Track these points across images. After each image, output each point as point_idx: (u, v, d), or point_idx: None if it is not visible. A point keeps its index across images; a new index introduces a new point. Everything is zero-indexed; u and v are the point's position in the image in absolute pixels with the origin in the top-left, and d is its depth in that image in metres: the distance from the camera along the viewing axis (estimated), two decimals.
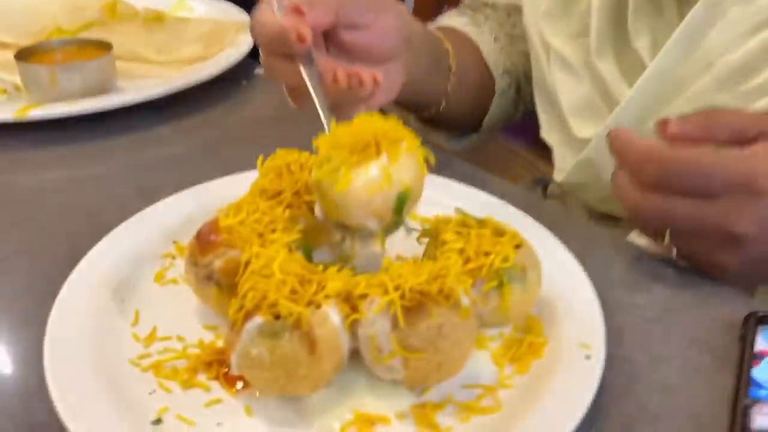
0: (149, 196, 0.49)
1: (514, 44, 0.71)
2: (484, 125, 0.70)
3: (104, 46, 0.65)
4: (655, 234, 0.45)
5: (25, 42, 0.73)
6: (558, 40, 0.62)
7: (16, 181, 0.57)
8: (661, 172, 0.42)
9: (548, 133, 0.65)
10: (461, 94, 0.65)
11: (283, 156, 0.43)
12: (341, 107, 0.49)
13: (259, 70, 0.74)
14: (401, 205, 0.39)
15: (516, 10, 0.71)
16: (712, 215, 0.41)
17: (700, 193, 0.41)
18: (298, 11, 0.47)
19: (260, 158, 0.44)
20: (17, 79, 0.65)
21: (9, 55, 0.71)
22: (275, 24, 0.47)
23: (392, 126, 0.39)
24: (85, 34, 0.74)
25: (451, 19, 0.72)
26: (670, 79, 0.53)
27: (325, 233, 0.41)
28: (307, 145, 0.42)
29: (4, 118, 0.58)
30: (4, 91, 0.64)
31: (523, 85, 0.72)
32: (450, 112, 0.64)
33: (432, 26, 0.69)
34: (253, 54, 0.73)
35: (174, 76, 0.68)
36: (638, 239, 0.49)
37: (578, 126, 0.60)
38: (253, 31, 0.51)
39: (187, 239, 0.41)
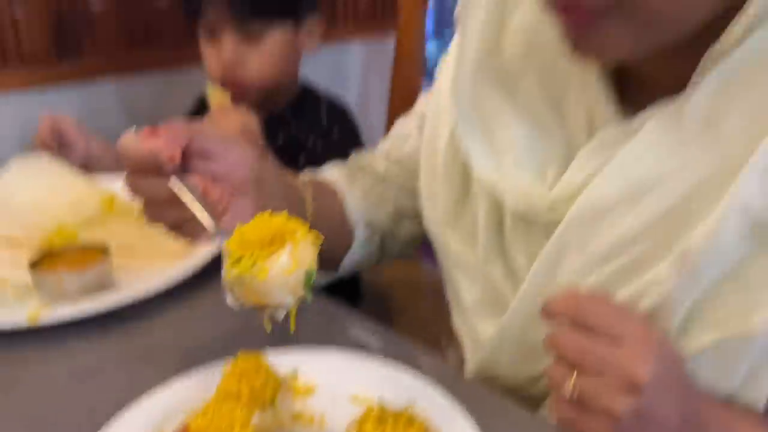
0: (140, 387, 0.58)
1: (382, 206, 0.81)
2: (340, 269, 0.79)
3: (104, 250, 0.77)
4: (564, 374, 0.48)
5: (35, 237, 0.86)
6: (454, 244, 0.67)
7: (18, 376, 0.65)
8: (577, 310, 0.49)
9: (456, 325, 0.70)
10: None
11: (243, 360, 0.53)
12: (186, 233, 0.58)
13: None
14: (309, 280, 0.50)
15: (388, 178, 0.81)
16: (617, 356, 0.46)
17: (611, 335, 0.47)
18: (155, 133, 0.55)
19: (224, 364, 0.54)
20: (28, 278, 0.76)
21: (21, 253, 0.84)
22: (142, 147, 0.54)
23: (285, 220, 0.50)
24: (86, 231, 0.87)
25: (331, 170, 0.82)
26: (542, 295, 0.57)
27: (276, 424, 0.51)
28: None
29: (20, 321, 0.69)
30: (18, 293, 0.75)
31: (388, 241, 0.82)
32: None
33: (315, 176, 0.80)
34: None
35: (165, 269, 0.80)
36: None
37: (479, 323, 0.65)
38: (120, 156, 0.56)
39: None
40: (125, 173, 0.56)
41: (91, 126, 1.22)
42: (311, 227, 0.68)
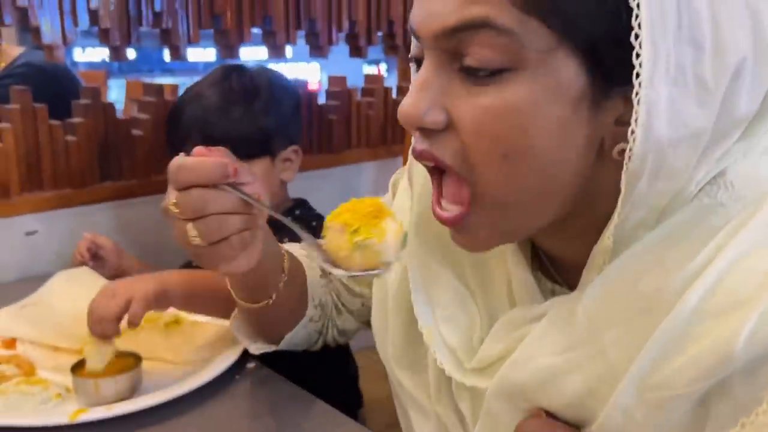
0: None
1: (329, 294, 0.88)
2: (283, 341, 0.85)
3: (135, 357, 0.88)
4: None
5: (74, 346, 0.97)
6: (406, 380, 0.69)
7: None
8: None
9: None
10: (286, 298, 0.78)
11: None
12: (204, 261, 0.63)
13: (250, 365, 0.97)
14: (405, 239, 0.60)
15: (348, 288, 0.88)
16: None
17: None
18: (209, 152, 0.60)
19: None
20: (69, 383, 0.87)
21: (62, 359, 0.95)
22: (205, 160, 0.59)
23: (372, 199, 0.61)
24: (120, 339, 0.98)
25: (295, 246, 0.88)
26: None
27: None
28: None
29: (61, 420, 0.80)
30: (59, 395, 0.86)
31: (330, 329, 0.89)
32: (274, 313, 0.79)
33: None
34: (245, 351, 0.96)
35: (187, 374, 0.91)
36: None
37: None
38: (177, 174, 0.59)
39: None
40: (175, 193, 0.60)
41: (123, 239, 1.37)
42: (286, 284, 0.77)
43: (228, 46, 1.52)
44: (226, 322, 1.03)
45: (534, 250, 0.63)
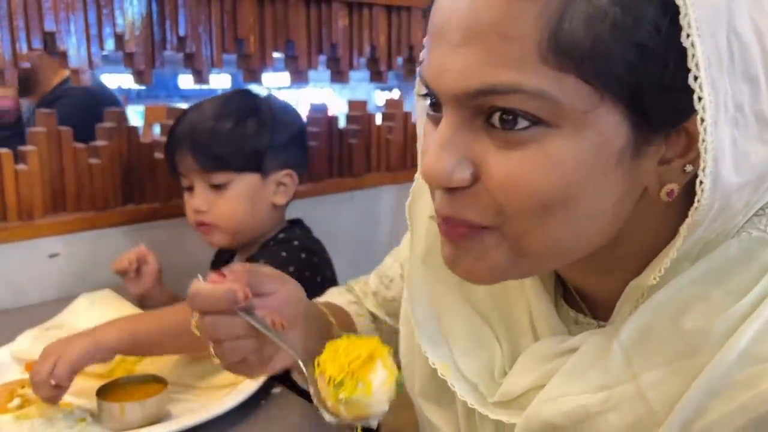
0: None
1: (387, 321, 0.88)
2: None
3: (162, 382, 0.87)
4: None
5: (99, 370, 0.96)
6: (434, 416, 0.67)
7: None
8: None
9: None
10: None
11: None
12: (238, 368, 0.63)
13: (275, 390, 0.96)
14: (400, 385, 0.57)
15: (379, 319, 0.87)
16: None
17: None
18: (222, 277, 0.60)
19: None
20: (93, 407, 0.86)
21: (86, 383, 0.94)
22: (217, 289, 0.59)
23: (359, 338, 0.57)
24: (145, 364, 0.97)
25: (337, 296, 0.87)
26: None
27: None
28: None
29: None
30: (83, 420, 0.85)
31: None
32: None
33: (319, 300, 0.84)
34: (270, 376, 0.95)
35: (211, 399, 0.89)
36: None
37: None
38: (193, 301, 0.60)
39: None
40: (197, 318, 0.62)
41: None
42: None
43: (250, 70, 1.53)
44: None
45: (556, 277, 0.61)
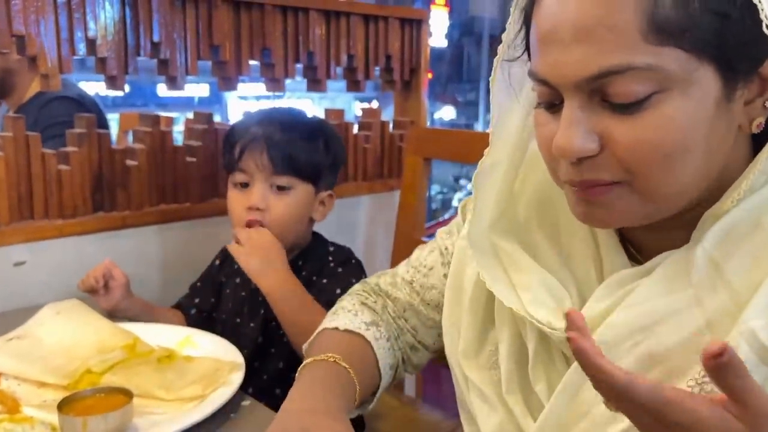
0: None
1: (401, 336, 0.89)
2: (361, 409, 0.85)
3: (127, 394, 0.85)
4: None
5: (63, 382, 0.93)
6: (474, 374, 0.73)
7: None
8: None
9: None
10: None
11: None
12: None
13: (245, 402, 0.93)
14: None
15: (411, 308, 0.89)
16: None
17: None
18: None
19: None
20: (56, 420, 0.83)
21: (49, 395, 0.91)
22: None
23: None
24: (111, 375, 0.94)
25: (352, 318, 0.87)
26: (561, 422, 0.63)
27: None
28: None
29: None
30: None
31: (399, 369, 0.89)
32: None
33: (335, 321, 0.87)
34: (241, 387, 0.93)
35: (179, 412, 0.87)
36: None
37: None
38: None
39: None
40: None
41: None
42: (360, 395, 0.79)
43: (226, 78, 1.51)
44: (220, 357, 1.00)
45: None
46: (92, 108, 1.90)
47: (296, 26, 1.57)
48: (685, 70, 0.54)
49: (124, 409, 0.82)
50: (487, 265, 0.72)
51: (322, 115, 1.78)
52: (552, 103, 0.61)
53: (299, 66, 1.62)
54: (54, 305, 1.12)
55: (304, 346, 0.89)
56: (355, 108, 7.59)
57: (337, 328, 0.86)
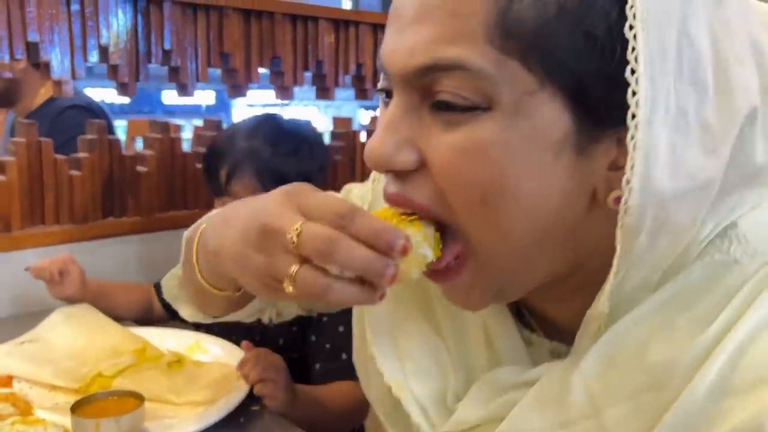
0: None
1: None
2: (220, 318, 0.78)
3: (138, 398, 0.85)
4: None
5: (74, 385, 0.94)
6: (391, 428, 0.62)
7: None
8: None
9: None
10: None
11: None
12: None
13: (254, 407, 0.94)
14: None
15: None
16: None
17: None
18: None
19: None
20: (67, 423, 0.84)
21: (60, 398, 0.92)
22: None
23: None
24: (121, 379, 0.95)
25: None
26: None
27: None
28: None
29: None
30: None
31: (268, 311, 0.84)
32: (230, 298, 0.72)
33: None
34: (251, 393, 0.93)
35: (189, 416, 0.88)
36: None
37: None
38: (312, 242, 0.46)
39: None
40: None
41: (123, 275, 1.35)
42: None
43: (236, 85, 1.52)
44: (229, 363, 1.01)
45: None
46: (101, 115, 1.92)
47: (305, 35, 1.59)
48: (520, 93, 0.42)
49: (136, 413, 0.83)
50: (376, 321, 0.61)
51: (329, 124, 1.79)
52: (390, 92, 0.49)
53: (308, 74, 1.63)
54: (65, 309, 1.13)
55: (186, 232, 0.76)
56: (360, 116, 7.64)
57: None
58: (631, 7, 0.41)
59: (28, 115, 1.91)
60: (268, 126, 1.26)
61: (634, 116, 0.41)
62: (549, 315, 0.55)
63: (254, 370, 0.93)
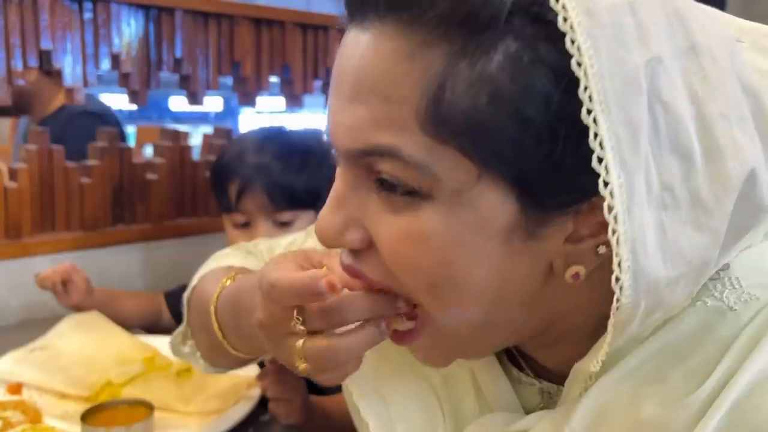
0: None
1: None
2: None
3: (148, 406, 0.85)
4: None
5: (84, 393, 0.94)
6: None
7: None
8: None
9: None
10: None
11: None
12: None
13: (264, 417, 0.94)
14: None
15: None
16: None
17: None
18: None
19: None
20: (76, 431, 0.84)
21: (70, 406, 0.92)
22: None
23: None
24: (131, 387, 0.95)
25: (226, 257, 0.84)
26: None
27: None
28: None
29: None
30: None
31: None
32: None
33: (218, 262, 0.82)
34: (260, 402, 0.93)
35: (199, 426, 0.87)
36: None
37: None
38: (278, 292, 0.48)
39: None
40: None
41: (132, 283, 1.35)
42: None
43: (246, 93, 1.53)
44: (238, 372, 1.00)
45: None
46: (113, 122, 1.92)
47: (315, 43, 1.59)
48: (459, 184, 0.39)
49: (147, 422, 0.82)
50: (361, 385, 0.58)
51: None
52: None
53: (318, 82, 1.64)
54: (74, 317, 1.13)
55: (186, 295, 0.78)
56: None
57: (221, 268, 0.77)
58: (585, 89, 0.36)
59: (41, 121, 1.92)
60: (277, 140, 1.25)
61: (611, 209, 0.37)
62: (537, 359, 0.53)
63: (273, 386, 0.92)
